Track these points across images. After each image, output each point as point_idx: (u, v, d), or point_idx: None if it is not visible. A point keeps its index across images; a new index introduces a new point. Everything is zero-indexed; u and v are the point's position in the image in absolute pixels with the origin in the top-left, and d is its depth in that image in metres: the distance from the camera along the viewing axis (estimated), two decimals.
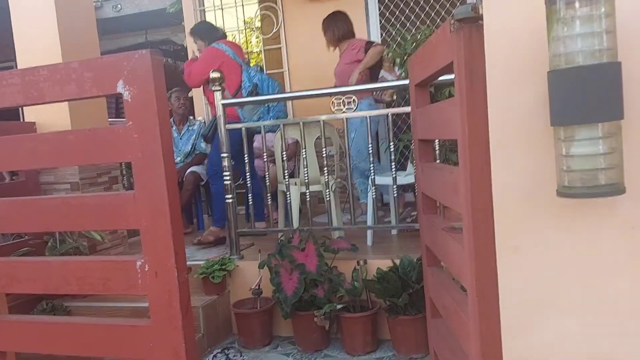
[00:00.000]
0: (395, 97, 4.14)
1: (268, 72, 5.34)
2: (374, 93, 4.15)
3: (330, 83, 4.28)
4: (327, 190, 3.40)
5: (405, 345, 2.77)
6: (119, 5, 6.79)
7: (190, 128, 4.77)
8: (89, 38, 3.71)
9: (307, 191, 3.36)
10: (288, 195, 3.47)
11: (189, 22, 5.44)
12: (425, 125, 1.90)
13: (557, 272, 1.17)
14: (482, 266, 1.27)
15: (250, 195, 3.58)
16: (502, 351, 1.23)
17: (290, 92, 5.05)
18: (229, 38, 5.51)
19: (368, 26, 4.92)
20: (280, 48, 5.19)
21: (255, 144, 4.73)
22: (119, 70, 1.23)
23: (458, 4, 4.80)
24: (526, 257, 1.19)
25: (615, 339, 1.16)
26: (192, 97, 5.32)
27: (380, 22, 4.96)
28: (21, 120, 4.29)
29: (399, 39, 4.70)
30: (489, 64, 1.18)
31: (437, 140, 2.92)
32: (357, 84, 3.93)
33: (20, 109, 4.13)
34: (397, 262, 2.82)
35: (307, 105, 4.97)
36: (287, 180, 3.46)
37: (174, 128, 4.75)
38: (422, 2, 4.84)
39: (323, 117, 3.30)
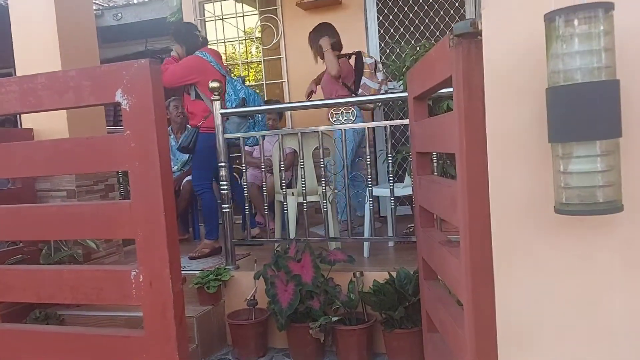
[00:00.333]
0: (379, 104, 4.16)
1: (267, 82, 5.36)
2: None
3: None
4: (325, 201, 3.40)
5: (401, 359, 2.75)
6: (120, 14, 6.81)
7: None
8: (88, 46, 3.72)
9: (305, 202, 3.36)
10: (285, 206, 3.47)
11: None
12: (424, 138, 1.90)
13: (554, 288, 1.17)
14: (478, 281, 1.27)
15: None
16: None
17: (289, 102, 5.07)
18: (229, 48, 5.54)
19: (367, 38, 4.94)
20: (280, 59, 5.21)
21: (254, 154, 4.73)
22: (118, 79, 1.23)
23: (457, 17, 4.83)
24: (523, 272, 1.19)
25: (611, 356, 1.16)
26: None
27: (379, 32, 4.97)
28: (18, 126, 4.28)
29: (398, 50, 4.73)
30: (488, 79, 1.19)
31: (435, 153, 2.93)
32: (334, 96, 3.98)
33: (17, 115, 4.13)
34: (394, 274, 2.81)
35: (305, 116, 4.98)
36: (284, 190, 3.45)
37: (171, 137, 4.75)
38: (421, 14, 4.87)
39: (321, 128, 3.31)
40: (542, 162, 1.14)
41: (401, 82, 3.55)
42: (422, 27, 4.89)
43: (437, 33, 4.83)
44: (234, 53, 5.59)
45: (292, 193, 3.61)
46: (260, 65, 5.41)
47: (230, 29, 5.45)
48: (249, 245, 3.77)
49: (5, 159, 1.39)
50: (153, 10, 6.63)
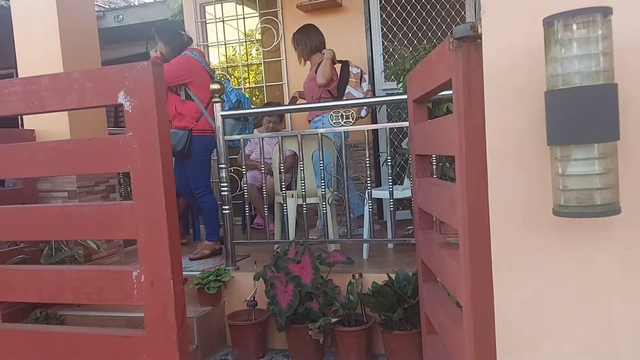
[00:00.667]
0: (363, 114, 4.15)
1: (267, 84, 5.37)
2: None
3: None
4: (324, 203, 3.40)
5: None
6: (121, 16, 6.82)
7: None
8: (90, 47, 3.73)
9: (304, 203, 3.37)
10: (285, 208, 3.48)
11: (191, 33, 5.46)
12: (423, 140, 1.91)
13: (552, 291, 1.18)
14: (477, 283, 1.28)
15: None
16: None
17: (287, 105, 5.07)
18: (229, 50, 5.55)
19: (368, 40, 4.95)
20: (280, 61, 5.22)
21: (253, 156, 4.74)
22: (121, 81, 1.24)
23: (458, 19, 4.84)
24: (522, 274, 1.20)
25: (610, 358, 1.16)
26: None
27: (382, 29, 4.96)
28: (20, 127, 4.29)
29: (401, 50, 4.72)
30: (487, 82, 1.20)
31: (434, 156, 2.94)
32: (316, 98, 4.00)
33: (19, 116, 4.13)
34: (393, 276, 2.81)
35: (305, 119, 4.99)
36: (284, 192, 3.46)
37: None
38: (424, 14, 4.88)
39: (321, 130, 3.32)
40: (540, 165, 1.15)
41: (401, 84, 3.56)
42: (424, 27, 4.88)
43: (439, 34, 4.83)
44: (234, 55, 5.60)
45: (292, 195, 3.62)
46: (260, 67, 5.42)
47: (230, 31, 5.46)
48: (250, 246, 3.78)
49: (7, 159, 1.40)
50: (154, 12, 6.64)
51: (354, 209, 4.12)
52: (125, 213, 1.28)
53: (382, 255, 3.53)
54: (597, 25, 1.01)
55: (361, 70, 4.16)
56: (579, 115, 1.01)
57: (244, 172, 3.64)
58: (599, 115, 1.01)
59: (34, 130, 3.48)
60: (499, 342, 1.23)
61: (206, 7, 5.46)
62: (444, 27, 4.84)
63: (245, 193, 3.81)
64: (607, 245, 1.14)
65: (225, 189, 3.33)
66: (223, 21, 5.44)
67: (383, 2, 4.91)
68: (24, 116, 3.52)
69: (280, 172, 3.44)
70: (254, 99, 5.57)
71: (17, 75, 3.99)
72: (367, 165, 3.28)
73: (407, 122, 2.19)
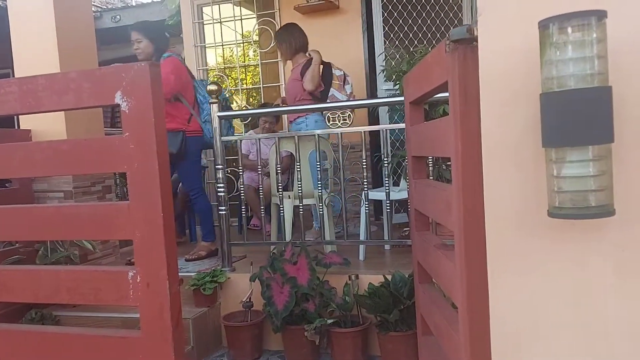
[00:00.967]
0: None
1: (265, 85, 5.37)
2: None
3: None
4: (321, 204, 3.41)
5: None
6: (118, 16, 6.82)
7: None
8: (87, 48, 3.72)
9: (301, 205, 3.37)
10: (281, 209, 3.48)
11: (188, 34, 5.47)
12: (419, 142, 1.92)
13: (547, 292, 1.18)
14: (473, 284, 1.28)
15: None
16: None
17: (284, 106, 5.07)
18: (227, 51, 5.56)
19: (367, 42, 4.94)
20: (277, 62, 5.22)
21: (251, 156, 4.74)
22: (118, 81, 1.24)
23: (455, 21, 4.85)
24: (517, 275, 1.20)
25: (604, 359, 1.17)
26: None
27: (384, 29, 4.96)
28: (16, 127, 4.28)
29: (402, 50, 4.73)
30: (483, 85, 1.20)
31: (430, 157, 2.94)
32: (298, 100, 3.99)
33: (15, 116, 4.12)
34: (389, 277, 2.82)
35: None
36: (280, 193, 3.46)
37: None
38: (424, 14, 4.88)
39: (318, 131, 3.32)
40: (536, 167, 1.16)
41: (397, 85, 3.57)
42: (424, 28, 4.88)
43: (438, 35, 4.84)
44: (231, 56, 5.60)
45: (289, 196, 3.62)
46: (257, 69, 5.43)
47: (228, 32, 5.46)
48: (246, 246, 3.78)
49: (3, 159, 1.40)
50: (152, 13, 6.64)
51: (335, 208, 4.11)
52: (122, 213, 1.28)
53: (378, 256, 3.53)
54: (592, 28, 1.02)
55: (344, 73, 4.12)
56: (573, 117, 1.02)
57: (240, 173, 3.64)
58: (593, 117, 1.01)
59: (30, 130, 3.48)
60: (494, 343, 1.24)
61: (204, 8, 5.46)
62: (442, 28, 4.85)
63: (242, 194, 3.81)
64: (602, 246, 1.14)
65: (222, 189, 3.33)
66: (220, 22, 5.44)
67: (384, 1, 4.90)
68: (20, 116, 3.51)
69: (276, 173, 3.44)
70: (251, 99, 5.58)
71: (13, 75, 3.98)
72: (364, 166, 3.28)
73: (402, 124, 2.20)
